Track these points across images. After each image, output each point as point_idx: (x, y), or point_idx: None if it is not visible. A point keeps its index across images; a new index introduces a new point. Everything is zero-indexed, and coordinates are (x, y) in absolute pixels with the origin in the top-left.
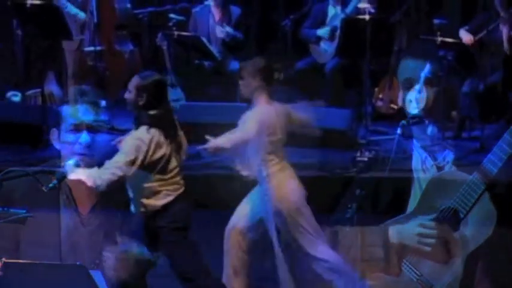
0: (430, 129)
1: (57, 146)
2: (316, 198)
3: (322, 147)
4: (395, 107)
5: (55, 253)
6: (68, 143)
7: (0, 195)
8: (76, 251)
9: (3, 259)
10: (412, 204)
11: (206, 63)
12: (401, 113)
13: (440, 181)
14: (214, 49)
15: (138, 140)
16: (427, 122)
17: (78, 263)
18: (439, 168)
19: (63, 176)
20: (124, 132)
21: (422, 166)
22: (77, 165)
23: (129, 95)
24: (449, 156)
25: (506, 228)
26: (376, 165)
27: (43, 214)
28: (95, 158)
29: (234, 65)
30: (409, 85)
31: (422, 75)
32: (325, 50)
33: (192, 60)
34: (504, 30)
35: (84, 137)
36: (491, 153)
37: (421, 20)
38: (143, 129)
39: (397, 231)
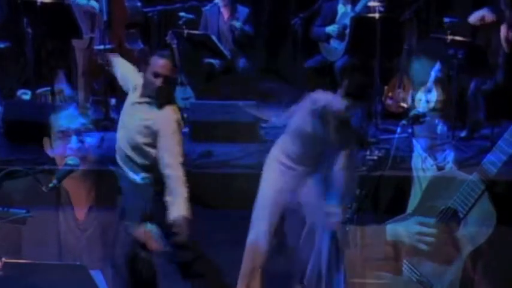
0: (440, 128)
1: (50, 153)
2: None
3: None
4: (405, 105)
5: (53, 256)
6: (59, 150)
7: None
8: (73, 255)
9: (3, 259)
10: (412, 204)
11: (216, 61)
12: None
13: (440, 181)
14: (224, 48)
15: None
16: (436, 121)
17: (78, 263)
18: (440, 168)
19: (63, 176)
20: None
21: (422, 166)
22: (76, 164)
23: (158, 80)
24: (450, 156)
25: (506, 228)
26: (386, 164)
27: (41, 216)
28: (90, 158)
29: (244, 63)
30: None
31: (433, 74)
32: (335, 48)
33: (202, 58)
34: (503, 30)
35: (74, 142)
36: (491, 153)
37: (431, 19)
38: (179, 114)
39: (394, 230)
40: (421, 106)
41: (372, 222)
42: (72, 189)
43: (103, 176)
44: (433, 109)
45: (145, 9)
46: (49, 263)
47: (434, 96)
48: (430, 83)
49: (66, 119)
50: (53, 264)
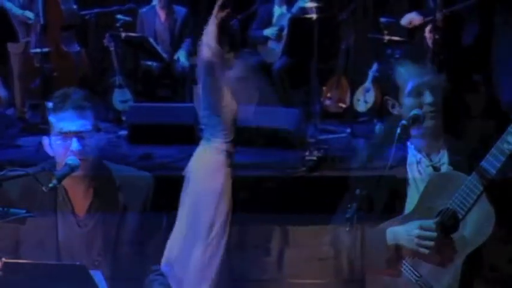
0: (378, 128)
1: (50, 152)
2: (266, 198)
3: (271, 147)
4: (343, 105)
5: (52, 255)
6: (60, 150)
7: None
8: (73, 253)
9: (3, 259)
10: (409, 205)
11: (154, 64)
12: (350, 111)
13: (439, 181)
14: (161, 50)
15: None
16: (375, 121)
17: (78, 263)
18: (435, 169)
19: (63, 176)
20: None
21: (418, 167)
22: (76, 164)
23: None
24: (444, 157)
25: (505, 228)
26: (325, 164)
27: (40, 215)
28: (91, 160)
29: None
30: (417, 92)
31: (371, 74)
32: (273, 49)
33: (140, 61)
34: (428, 31)
35: (75, 145)
36: (489, 154)
37: (368, 19)
38: None
39: (394, 233)
40: (359, 106)
41: (370, 223)
42: (70, 187)
43: (102, 173)
44: (371, 109)
45: (82, 12)
46: (49, 263)
47: (372, 96)
48: (367, 83)
49: (67, 121)
50: (53, 264)
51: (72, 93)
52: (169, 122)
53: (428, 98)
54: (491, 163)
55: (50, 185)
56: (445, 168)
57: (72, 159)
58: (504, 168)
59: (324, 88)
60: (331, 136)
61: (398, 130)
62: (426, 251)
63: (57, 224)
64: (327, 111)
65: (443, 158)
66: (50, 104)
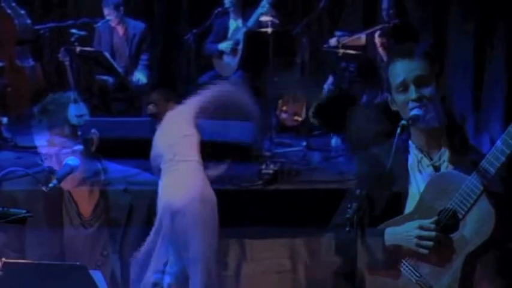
0: (334, 141)
1: None
2: (223, 211)
3: (227, 161)
4: (299, 119)
5: (56, 254)
6: (51, 166)
7: (1, 196)
8: (76, 252)
9: (3, 259)
10: (410, 205)
11: (110, 78)
12: (306, 125)
13: (439, 182)
14: (118, 64)
15: None
16: (331, 134)
17: (78, 263)
18: (436, 168)
19: (63, 176)
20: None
21: (419, 166)
22: (76, 165)
23: None
24: (445, 155)
25: (505, 228)
26: (281, 177)
27: (44, 216)
28: (84, 164)
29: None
30: (403, 88)
31: (326, 87)
32: (228, 63)
33: (95, 75)
34: (378, 38)
35: (54, 163)
36: (489, 153)
37: (323, 33)
38: None
39: (393, 234)
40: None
41: (369, 224)
42: (73, 189)
43: (104, 174)
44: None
45: (36, 26)
46: (49, 263)
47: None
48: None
49: (39, 140)
50: (53, 264)
51: (47, 104)
52: (125, 136)
53: (413, 94)
54: (491, 162)
55: (50, 185)
56: (445, 166)
57: (72, 159)
58: (504, 167)
59: (280, 101)
60: (287, 149)
61: (398, 130)
62: (426, 251)
63: (63, 224)
64: (283, 125)
65: (443, 156)
66: (4, 120)
